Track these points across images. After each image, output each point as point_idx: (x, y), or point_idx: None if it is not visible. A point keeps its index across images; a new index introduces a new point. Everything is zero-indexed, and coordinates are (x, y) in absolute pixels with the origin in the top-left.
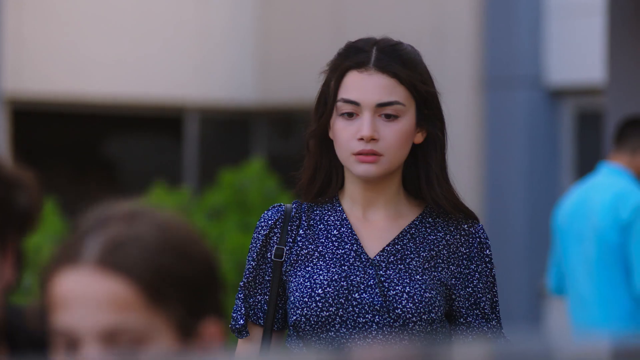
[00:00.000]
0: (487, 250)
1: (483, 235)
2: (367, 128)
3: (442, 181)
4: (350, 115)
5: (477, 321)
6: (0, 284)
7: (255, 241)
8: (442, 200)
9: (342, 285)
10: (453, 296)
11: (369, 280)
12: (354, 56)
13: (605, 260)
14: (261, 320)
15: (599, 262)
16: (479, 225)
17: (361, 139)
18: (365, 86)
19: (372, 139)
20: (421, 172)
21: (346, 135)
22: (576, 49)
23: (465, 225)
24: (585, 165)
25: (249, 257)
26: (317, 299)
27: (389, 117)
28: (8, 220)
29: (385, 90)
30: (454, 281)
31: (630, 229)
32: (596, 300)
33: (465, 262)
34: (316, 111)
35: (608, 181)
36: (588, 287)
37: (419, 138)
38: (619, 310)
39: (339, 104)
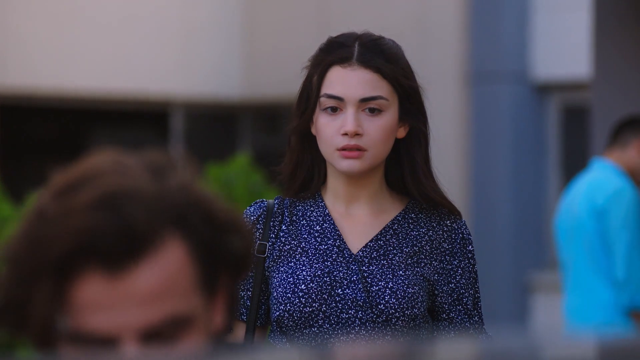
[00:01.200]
0: (470, 246)
1: (465, 231)
2: (351, 123)
3: (428, 175)
4: (334, 111)
5: (459, 317)
6: (208, 330)
7: None
8: (431, 193)
9: (325, 281)
10: (436, 292)
11: (352, 276)
12: (337, 51)
13: (584, 249)
14: (244, 316)
15: (579, 252)
16: (462, 221)
17: (345, 134)
18: (348, 81)
19: (356, 134)
20: (405, 166)
21: (330, 131)
22: (562, 44)
23: (448, 221)
24: (571, 160)
25: None
26: (300, 294)
27: (373, 111)
28: (221, 265)
29: (368, 85)
30: (437, 277)
31: (606, 215)
32: (575, 290)
33: (447, 257)
34: (298, 107)
35: (591, 174)
36: (570, 277)
37: (401, 132)
38: (600, 297)
39: (322, 99)
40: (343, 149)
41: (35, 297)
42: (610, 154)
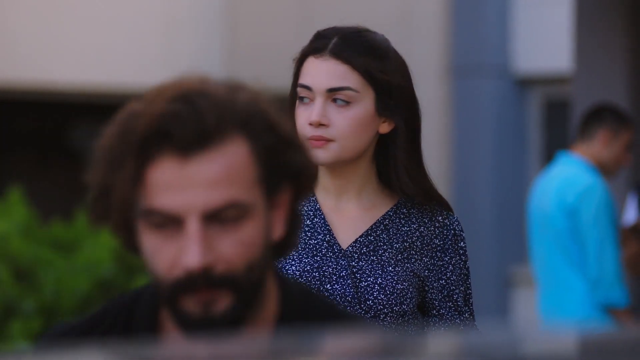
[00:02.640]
0: (462, 243)
1: (458, 228)
2: (314, 113)
3: (411, 171)
4: (307, 100)
5: (449, 313)
6: (269, 237)
7: None
8: (411, 190)
9: (314, 276)
10: (426, 288)
11: (341, 272)
12: (315, 43)
13: (557, 246)
14: None
15: (552, 248)
16: (454, 217)
17: (311, 124)
18: (318, 71)
19: (321, 125)
20: (390, 162)
21: (302, 121)
22: (544, 37)
23: (440, 217)
24: (553, 153)
25: None
26: None
27: (341, 102)
28: (282, 174)
29: (336, 76)
30: (427, 273)
31: (577, 213)
32: (552, 285)
33: (439, 254)
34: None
35: (561, 169)
36: (545, 272)
37: (384, 128)
38: (574, 294)
39: (298, 89)
40: (310, 138)
41: (119, 181)
42: (577, 147)
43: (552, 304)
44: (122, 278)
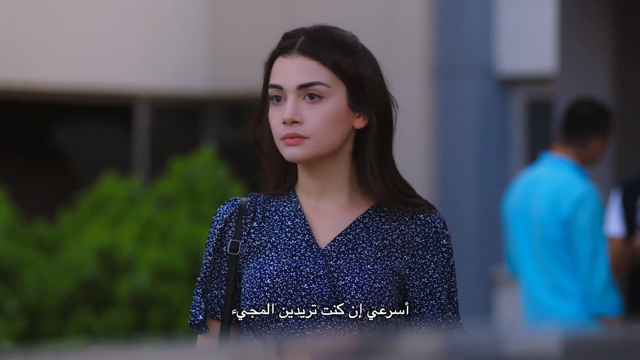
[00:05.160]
0: (444, 240)
1: (440, 225)
2: (287, 111)
3: (376, 170)
4: (278, 100)
5: (431, 312)
6: None
7: (211, 236)
8: (373, 187)
9: (291, 276)
10: (407, 286)
11: (319, 271)
12: (282, 43)
13: (549, 253)
14: (219, 314)
15: (544, 254)
16: (436, 215)
17: (285, 122)
18: (288, 70)
19: (295, 122)
20: (359, 159)
21: (275, 121)
22: (527, 38)
23: (422, 215)
24: (536, 153)
25: (205, 252)
26: (266, 289)
27: (313, 98)
28: None
29: (306, 72)
30: (408, 271)
31: (572, 223)
32: (544, 288)
33: (420, 252)
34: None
35: (551, 173)
36: (537, 276)
37: (359, 123)
38: (568, 296)
39: (269, 90)
40: (285, 137)
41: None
42: (564, 149)
43: (542, 306)
44: (106, 278)
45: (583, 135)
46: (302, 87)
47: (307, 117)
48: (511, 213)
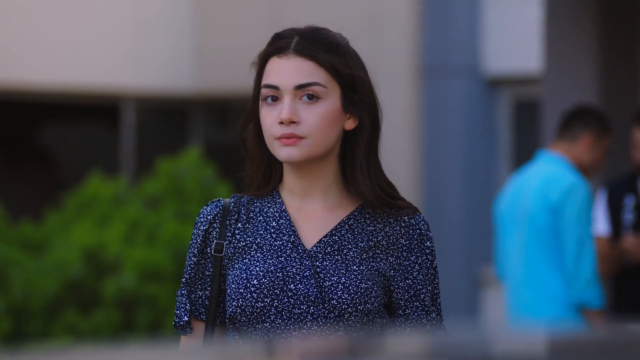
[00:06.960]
0: (428, 242)
1: (424, 227)
2: (285, 111)
3: (365, 171)
4: (273, 100)
5: (416, 313)
6: None
7: (195, 237)
8: (362, 188)
9: (278, 277)
10: (392, 288)
11: (305, 272)
12: (275, 43)
13: (536, 243)
14: (203, 315)
15: (531, 245)
16: (420, 217)
17: (281, 122)
18: (284, 70)
19: (292, 122)
20: (348, 160)
21: (269, 121)
22: (513, 38)
23: (406, 217)
24: (522, 154)
25: (189, 253)
26: (252, 289)
27: (311, 99)
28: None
29: (303, 73)
30: (393, 273)
31: (560, 211)
32: (527, 283)
33: (405, 253)
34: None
35: (543, 167)
36: (521, 270)
37: (350, 124)
38: (550, 293)
39: (262, 90)
40: (281, 137)
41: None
42: (557, 146)
43: (524, 302)
44: (92, 278)
45: (574, 129)
46: (300, 87)
47: (304, 117)
48: (502, 212)
